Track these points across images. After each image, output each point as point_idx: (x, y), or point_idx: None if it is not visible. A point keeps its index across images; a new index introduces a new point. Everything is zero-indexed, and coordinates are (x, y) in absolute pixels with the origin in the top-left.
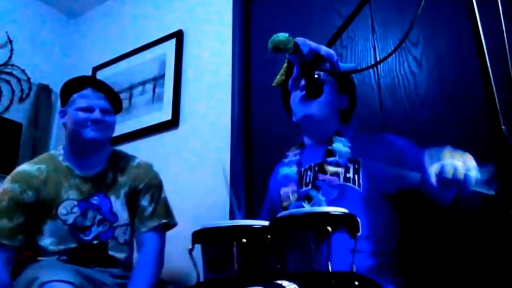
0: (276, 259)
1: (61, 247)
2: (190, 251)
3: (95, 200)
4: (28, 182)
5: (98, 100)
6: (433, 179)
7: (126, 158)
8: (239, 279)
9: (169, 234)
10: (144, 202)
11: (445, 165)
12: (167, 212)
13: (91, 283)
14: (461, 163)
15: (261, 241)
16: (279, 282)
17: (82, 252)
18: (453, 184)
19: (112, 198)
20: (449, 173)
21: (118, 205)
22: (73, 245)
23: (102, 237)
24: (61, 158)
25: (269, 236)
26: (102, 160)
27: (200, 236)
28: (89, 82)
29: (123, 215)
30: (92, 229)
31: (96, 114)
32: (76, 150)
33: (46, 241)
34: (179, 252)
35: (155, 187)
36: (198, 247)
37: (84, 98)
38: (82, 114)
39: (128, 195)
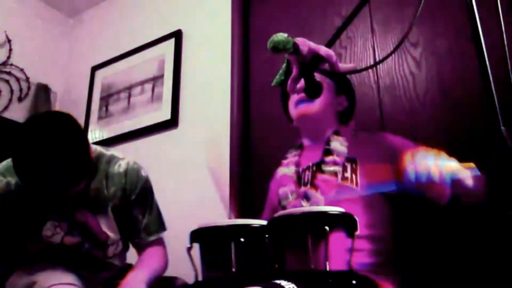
0: (274, 258)
1: (51, 256)
2: (189, 250)
3: (80, 217)
4: None
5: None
6: (412, 178)
7: (112, 161)
8: (237, 278)
9: (168, 233)
10: (138, 214)
11: (418, 167)
12: (161, 221)
13: (90, 285)
14: (434, 163)
15: (259, 240)
16: (277, 281)
17: (70, 257)
18: (429, 185)
19: (99, 215)
20: (423, 175)
21: (107, 222)
22: (63, 257)
23: (93, 253)
24: None
25: (267, 236)
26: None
27: (199, 235)
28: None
29: (113, 231)
30: (84, 246)
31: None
32: None
33: (34, 258)
34: (178, 251)
35: (146, 195)
36: (196, 246)
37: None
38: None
39: (117, 208)
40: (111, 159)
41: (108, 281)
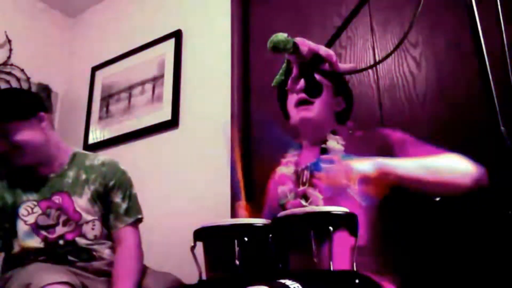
0: (278, 257)
1: (31, 246)
2: (192, 249)
3: (57, 200)
4: None
5: None
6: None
7: (90, 157)
8: (241, 278)
9: (170, 232)
10: (117, 199)
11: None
12: (139, 207)
13: (82, 280)
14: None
15: (262, 239)
16: (283, 281)
17: (53, 248)
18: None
19: (75, 197)
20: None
21: (81, 203)
22: (42, 244)
23: (68, 237)
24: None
25: (270, 235)
26: (62, 161)
27: (202, 234)
28: None
29: (88, 212)
30: (56, 229)
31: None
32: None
33: (16, 242)
34: (181, 250)
35: (126, 183)
36: (200, 245)
37: None
38: None
39: (97, 193)
40: (90, 156)
41: (99, 273)
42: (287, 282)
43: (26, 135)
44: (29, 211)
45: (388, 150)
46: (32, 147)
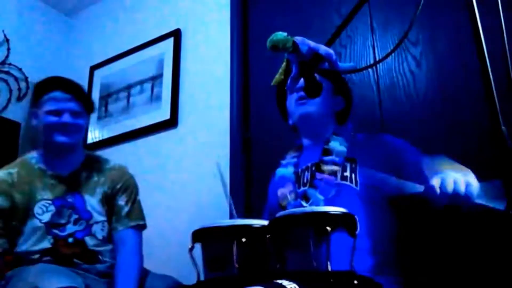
0: (276, 258)
1: (40, 246)
2: (190, 250)
3: (70, 199)
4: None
5: (67, 103)
6: (437, 191)
7: (101, 161)
8: (239, 278)
9: (168, 233)
10: (121, 201)
11: (445, 178)
12: (142, 214)
13: (86, 282)
14: (461, 176)
15: (260, 240)
16: (279, 281)
17: (60, 249)
18: (454, 198)
19: (86, 196)
20: (449, 186)
21: (92, 202)
22: (50, 243)
23: (78, 235)
24: (33, 161)
25: (268, 236)
26: (76, 162)
27: (200, 235)
28: (58, 83)
29: (98, 212)
30: (67, 227)
31: (66, 117)
32: (50, 152)
33: (25, 241)
34: (179, 251)
35: (131, 188)
36: (198, 246)
37: (53, 101)
38: (51, 118)
39: (106, 195)
40: (104, 160)
41: (101, 275)
42: (284, 282)
43: (85, 124)
44: (43, 209)
45: (391, 156)
46: (82, 134)
